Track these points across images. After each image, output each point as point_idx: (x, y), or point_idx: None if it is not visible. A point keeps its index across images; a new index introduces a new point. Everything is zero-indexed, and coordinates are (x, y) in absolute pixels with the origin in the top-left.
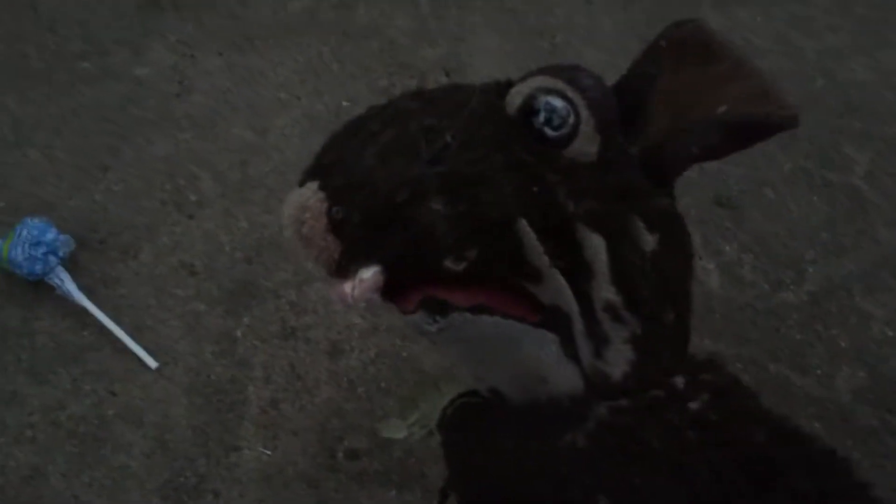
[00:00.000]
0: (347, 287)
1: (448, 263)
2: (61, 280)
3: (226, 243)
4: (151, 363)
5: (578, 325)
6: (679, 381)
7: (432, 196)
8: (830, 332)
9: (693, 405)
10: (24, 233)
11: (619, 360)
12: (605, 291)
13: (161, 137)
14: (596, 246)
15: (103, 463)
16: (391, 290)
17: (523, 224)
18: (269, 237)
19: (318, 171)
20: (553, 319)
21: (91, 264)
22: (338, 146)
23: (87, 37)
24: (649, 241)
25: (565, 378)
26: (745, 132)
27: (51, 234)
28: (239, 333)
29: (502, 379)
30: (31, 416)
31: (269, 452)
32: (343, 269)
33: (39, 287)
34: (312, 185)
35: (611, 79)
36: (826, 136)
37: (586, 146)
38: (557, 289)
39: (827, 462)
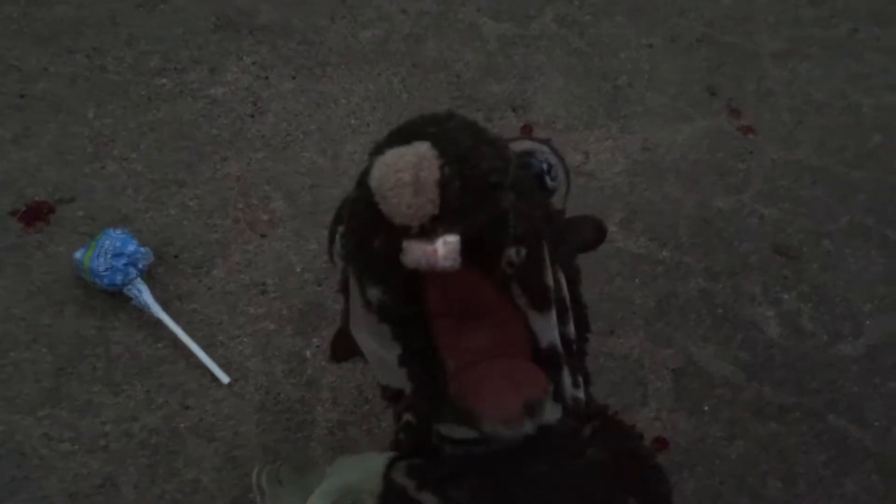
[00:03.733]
0: (440, 247)
1: (511, 253)
2: (139, 291)
3: (296, 264)
4: (224, 378)
5: (565, 371)
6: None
7: (509, 189)
8: (888, 385)
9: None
10: (107, 243)
11: (581, 386)
12: (572, 324)
13: (235, 156)
14: (564, 285)
15: (175, 476)
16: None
17: (545, 246)
18: None
19: (423, 136)
20: (548, 359)
21: (165, 278)
22: (434, 125)
23: (165, 54)
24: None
25: (554, 412)
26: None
27: (131, 246)
28: (308, 354)
29: None
30: (105, 425)
31: None
32: (431, 229)
33: (116, 298)
34: (424, 145)
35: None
36: (883, 191)
37: (559, 199)
38: (553, 323)
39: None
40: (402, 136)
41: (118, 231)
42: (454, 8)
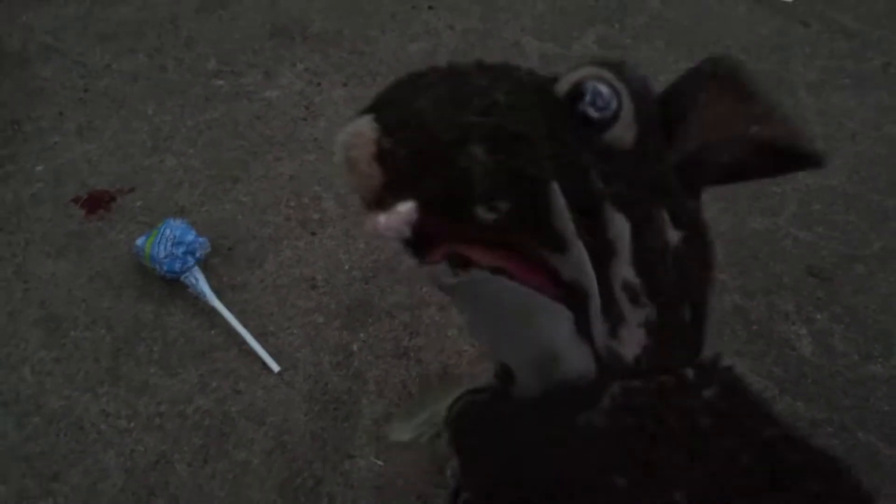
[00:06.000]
0: (382, 217)
1: (480, 212)
2: (196, 280)
3: (345, 262)
4: (274, 367)
5: (596, 303)
6: (689, 371)
7: (475, 143)
8: None
9: (706, 393)
10: (167, 232)
11: (632, 342)
12: (625, 271)
13: (288, 157)
14: (621, 227)
15: (226, 456)
16: (420, 242)
17: (555, 187)
18: (384, 261)
19: (374, 106)
20: (571, 296)
21: (219, 268)
22: (396, 90)
23: (222, 57)
24: (673, 236)
25: (578, 358)
26: (773, 156)
27: (190, 236)
28: (355, 348)
29: (514, 354)
30: (161, 405)
31: (380, 463)
32: (381, 200)
33: (172, 285)
34: (368, 117)
35: None
36: None
37: (624, 133)
38: (579, 262)
39: (834, 470)
40: (365, 108)
41: (178, 221)
42: (499, 26)
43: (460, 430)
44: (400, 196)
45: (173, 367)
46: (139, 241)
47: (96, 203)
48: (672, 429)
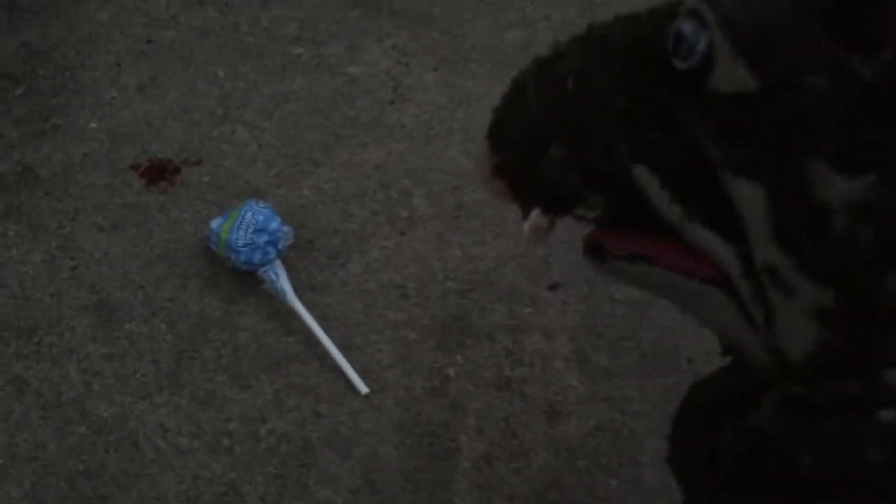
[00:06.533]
0: (525, 226)
1: (580, 212)
2: (276, 275)
3: (438, 270)
4: (363, 388)
5: (742, 288)
6: (866, 382)
7: (552, 145)
8: None
9: (884, 415)
10: (248, 216)
11: (795, 336)
12: (764, 251)
13: (374, 143)
14: (749, 196)
15: (305, 492)
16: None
17: (642, 171)
18: (483, 272)
19: (491, 121)
20: (724, 280)
21: (297, 264)
22: (503, 99)
23: (302, 23)
24: (846, 187)
25: (756, 349)
26: None
27: (274, 223)
28: (451, 372)
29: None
30: (229, 422)
31: None
32: (523, 210)
33: (244, 279)
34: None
35: None
36: None
37: (731, 75)
38: (705, 246)
39: None
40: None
41: (261, 204)
42: (596, 21)
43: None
44: (528, 205)
45: (244, 378)
46: (214, 224)
47: (158, 173)
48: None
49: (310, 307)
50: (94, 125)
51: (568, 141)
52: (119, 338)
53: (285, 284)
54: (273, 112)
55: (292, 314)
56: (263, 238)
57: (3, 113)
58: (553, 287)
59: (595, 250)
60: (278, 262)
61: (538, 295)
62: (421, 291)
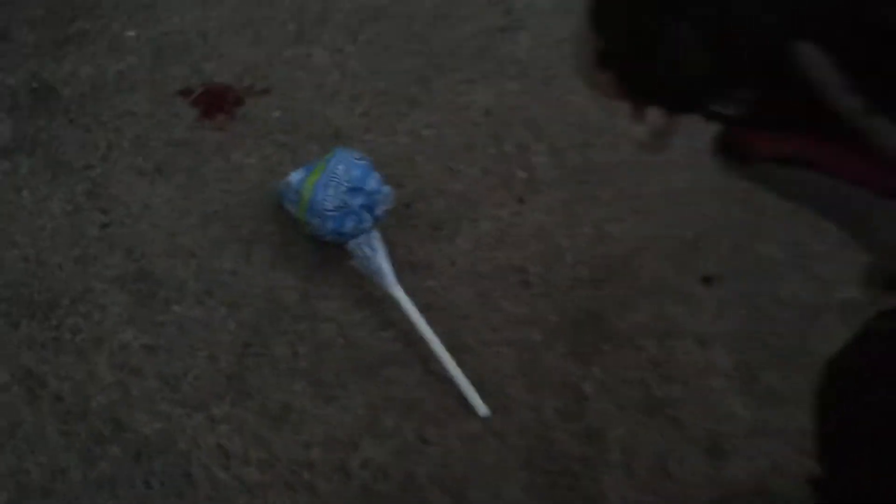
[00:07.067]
0: (638, 129)
1: (716, 108)
2: (372, 250)
3: (567, 251)
4: (482, 409)
5: None
6: None
7: (680, 30)
8: None
9: None
10: (340, 169)
11: None
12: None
13: (482, 80)
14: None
15: None
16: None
17: (807, 49)
18: (620, 257)
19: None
20: None
21: (392, 234)
22: None
23: None
24: None
25: None
26: None
27: (373, 182)
28: (588, 388)
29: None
30: (310, 448)
31: None
32: (636, 110)
33: (328, 251)
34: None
35: None
36: None
37: None
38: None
39: None
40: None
41: (356, 155)
42: None
43: None
44: (641, 103)
45: (328, 386)
46: (294, 177)
47: (215, 103)
48: None
49: (410, 291)
50: (131, 33)
51: (702, 10)
52: (164, 324)
53: (383, 262)
54: (357, 32)
55: (388, 301)
56: (359, 200)
57: (16, 9)
58: (706, 280)
59: (733, 150)
60: (375, 234)
61: (689, 290)
62: (545, 279)
